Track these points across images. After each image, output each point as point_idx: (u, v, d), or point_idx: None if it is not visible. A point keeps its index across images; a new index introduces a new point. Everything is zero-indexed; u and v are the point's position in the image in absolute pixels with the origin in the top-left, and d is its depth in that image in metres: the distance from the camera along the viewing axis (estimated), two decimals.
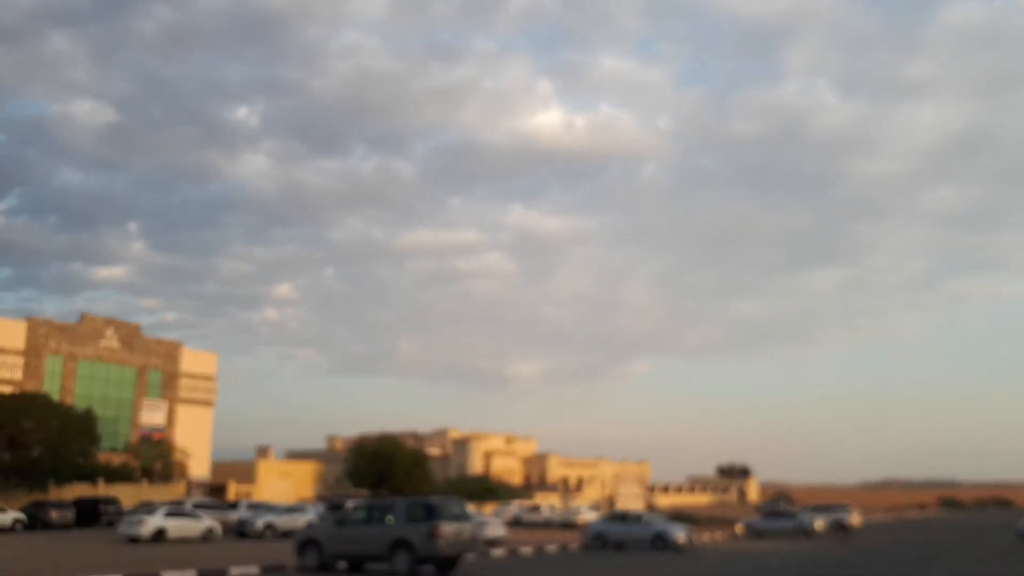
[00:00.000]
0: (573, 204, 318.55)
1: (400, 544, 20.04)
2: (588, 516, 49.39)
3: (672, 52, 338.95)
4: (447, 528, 20.05)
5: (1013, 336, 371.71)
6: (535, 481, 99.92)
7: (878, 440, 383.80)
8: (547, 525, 51.42)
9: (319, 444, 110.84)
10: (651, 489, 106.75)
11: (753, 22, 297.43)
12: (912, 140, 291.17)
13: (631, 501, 62.37)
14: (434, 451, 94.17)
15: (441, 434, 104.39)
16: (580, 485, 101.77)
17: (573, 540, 35.11)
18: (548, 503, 60.70)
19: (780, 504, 78.54)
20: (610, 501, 71.22)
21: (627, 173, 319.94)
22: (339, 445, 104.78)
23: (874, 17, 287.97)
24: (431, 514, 20.18)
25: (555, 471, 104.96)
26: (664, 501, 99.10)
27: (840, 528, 47.97)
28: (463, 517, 21.34)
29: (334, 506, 43.83)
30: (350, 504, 37.67)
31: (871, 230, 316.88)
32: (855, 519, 50.34)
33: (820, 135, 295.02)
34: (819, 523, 45.06)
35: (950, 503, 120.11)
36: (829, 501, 70.18)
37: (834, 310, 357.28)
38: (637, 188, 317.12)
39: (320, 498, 62.15)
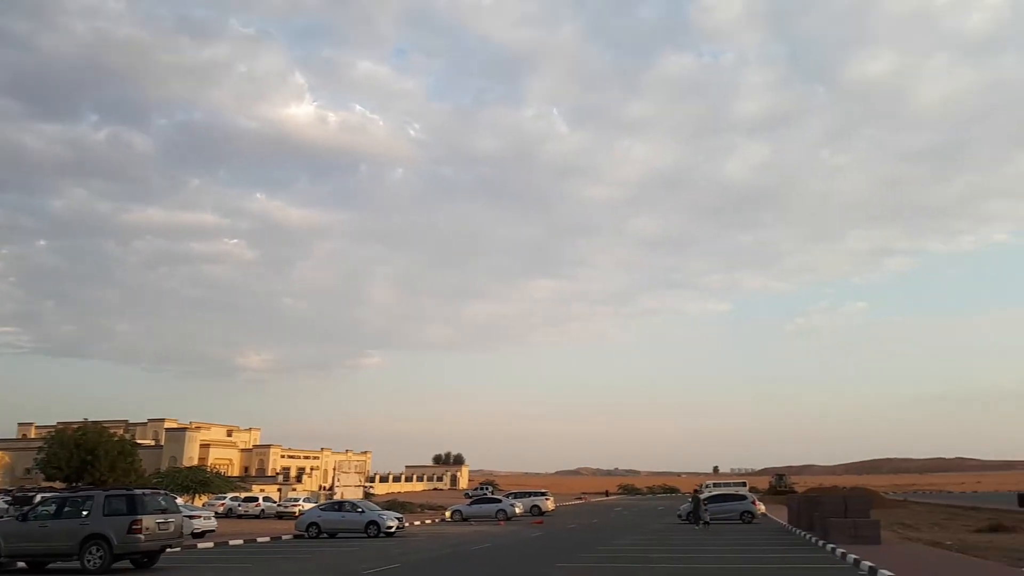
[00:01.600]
0: (320, 198, 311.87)
1: (94, 539, 19.02)
2: (305, 506, 49.70)
3: (426, 65, 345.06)
4: (148, 521, 19.35)
5: (692, 345, 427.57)
6: (255, 472, 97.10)
7: (575, 433, 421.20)
8: (263, 516, 50.89)
9: (9, 432, 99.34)
10: (371, 479, 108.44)
11: (502, 48, 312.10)
12: (626, 171, 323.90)
13: (349, 491, 63.33)
14: (146, 441, 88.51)
15: (156, 423, 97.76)
16: (301, 476, 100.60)
17: (288, 530, 35.46)
18: (265, 494, 59.84)
19: (486, 491, 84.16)
20: (328, 491, 71.59)
21: (376, 175, 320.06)
22: (33, 433, 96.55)
23: (607, 58, 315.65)
24: (132, 507, 19.38)
25: (277, 462, 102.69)
26: (382, 490, 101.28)
27: (537, 511, 52.95)
28: (169, 510, 20.69)
29: (20, 499, 39.97)
30: (39, 497, 34.74)
31: (586, 247, 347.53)
32: (549, 504, 55.80)
33: (550, 159, 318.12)
34: (519, 508, 49.47)
35: (629, 489, 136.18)
36: (529, 487, 76.92)
37: (551, 316, 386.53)
38: (385, 190, 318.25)
39: (2, 491, 55.78)
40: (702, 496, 39.93)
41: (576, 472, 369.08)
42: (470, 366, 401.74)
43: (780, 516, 45.21)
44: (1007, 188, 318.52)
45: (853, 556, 19.49)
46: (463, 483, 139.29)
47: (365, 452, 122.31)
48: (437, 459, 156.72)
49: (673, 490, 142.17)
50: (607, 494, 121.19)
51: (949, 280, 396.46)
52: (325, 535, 33.59)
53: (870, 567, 17.00)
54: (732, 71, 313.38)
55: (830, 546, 23.15)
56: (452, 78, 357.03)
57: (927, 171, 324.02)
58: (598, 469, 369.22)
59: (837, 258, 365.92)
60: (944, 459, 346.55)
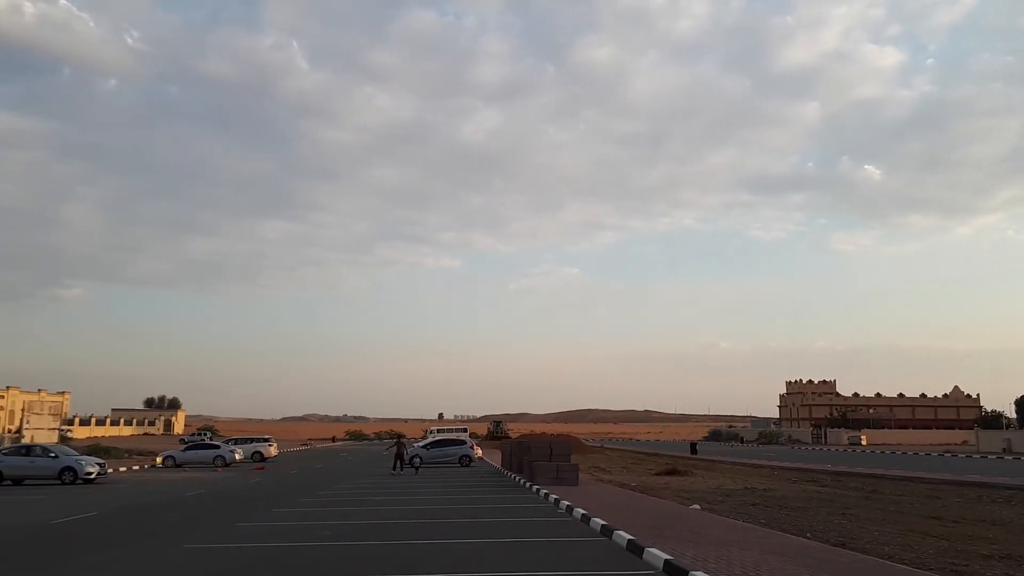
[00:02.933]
0: (9, 100, 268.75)
1: None
2: None
3: None
4: None
5: (425, 298, 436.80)
6: None
7: (303, 379, 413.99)
8: None
9: None
10: (69, 421, 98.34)
11: None
12: (368, 119, 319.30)
13: (41, 434, 57.00)
14: None
15: None
16: None
17: None
18: None
19: (204, 436, 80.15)
20: (15, 434, 63.81)
21: (84, 82, 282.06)
22: None
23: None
24: None
25: None
26: (83, 434, 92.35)
27: (259, 457, 51.60)
28: None
29: None
30: None
31: (323, 192, 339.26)
32: (272, 450, 54.62)
33: (288, 94, 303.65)
34: (239, 454, 47.85)
35: (357, 436, 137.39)
36: (252, 434, 74.54)
37: (282, 259, 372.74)
38: (94, 101, 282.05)
39: None
40: (411, 442, 41.09)
41: (303, 419, 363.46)
42: (190, 305, 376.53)
43: (495, 460, 48.45)
44: (697, 180, 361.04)
45: (554, 496, 21.55)
46: (178, 428, 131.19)
47: (62, 393, 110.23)
48: (149, 403, 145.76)
49: (400, 435, 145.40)
50: (334, 440, 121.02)
51: (648, 255, 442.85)
52: (8, 482, 30.11)
53: (567, 506, 18.94)
54: (472, 35, 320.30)
55: (535, 487, 25.34)
56: None
57: (636, 156, 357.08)
58: (326, 415, 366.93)
59: (557, 227, 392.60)
60: (635, 411, 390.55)
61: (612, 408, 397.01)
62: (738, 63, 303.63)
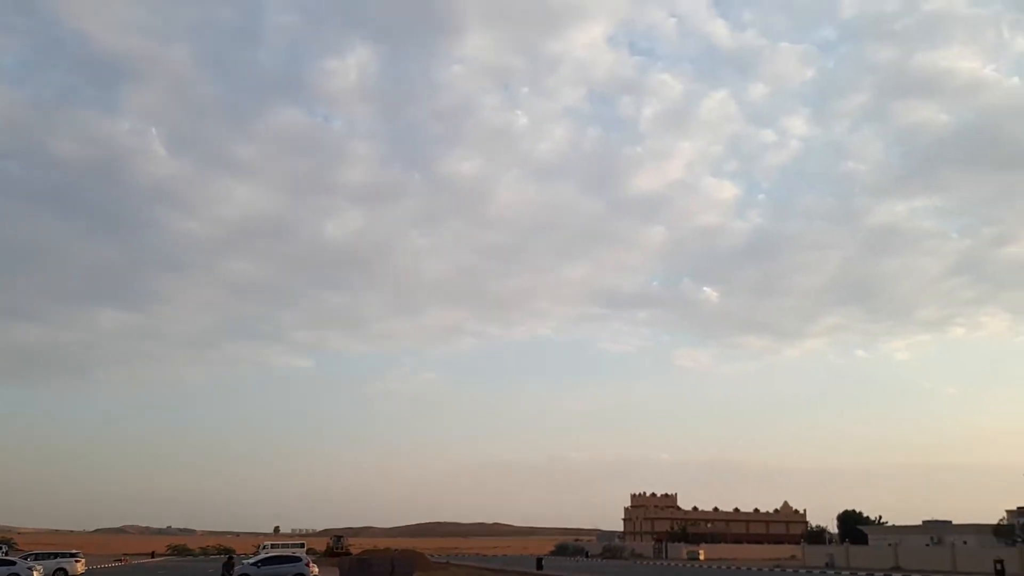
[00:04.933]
0: None
1: None
2: None
3: (4, 42, 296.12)
4: None
5: (272, 399, 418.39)
6: None
7: (123, 485, 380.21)
8: None
9: None
10: None
11: (102, 49, 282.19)
12: (225, 211, 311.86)
13: None
14: None
15: None
16: None
17: None
18: None
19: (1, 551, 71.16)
20: None
21: None
22: None
23: (218, 90, 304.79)
24: None
25: None
26: None
27: (63, 574, 46.21)
28: None
29: None
30: None
31: (169, 282, 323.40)
32: (79, 566, 49.10)
33: (141, 181, 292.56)
34: (38, 571, 42.66)
35: (180, 550, 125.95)
36: (59, 547, 66.88)
37: (118, 351, 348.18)
38: None
39: None
40: (241, 559, 38.44)
41: (121, 530, 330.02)
42: (4, 398, 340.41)
43: None
44: (553, 292, 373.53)
45: None
46: None
47: None
48: None
49: (229, 551, 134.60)
50: (152, 555, 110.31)
51: (504, 362, 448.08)
52: None
53: None
54: (340, 137, 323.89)
55: None
56: (35, 66, 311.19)
57: (496, 266, 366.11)
58: (148, 527, 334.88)
59: (416, 330, 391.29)
60: (485, 524, 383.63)
61: (462, 521, 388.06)
62: (594, 185, 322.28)
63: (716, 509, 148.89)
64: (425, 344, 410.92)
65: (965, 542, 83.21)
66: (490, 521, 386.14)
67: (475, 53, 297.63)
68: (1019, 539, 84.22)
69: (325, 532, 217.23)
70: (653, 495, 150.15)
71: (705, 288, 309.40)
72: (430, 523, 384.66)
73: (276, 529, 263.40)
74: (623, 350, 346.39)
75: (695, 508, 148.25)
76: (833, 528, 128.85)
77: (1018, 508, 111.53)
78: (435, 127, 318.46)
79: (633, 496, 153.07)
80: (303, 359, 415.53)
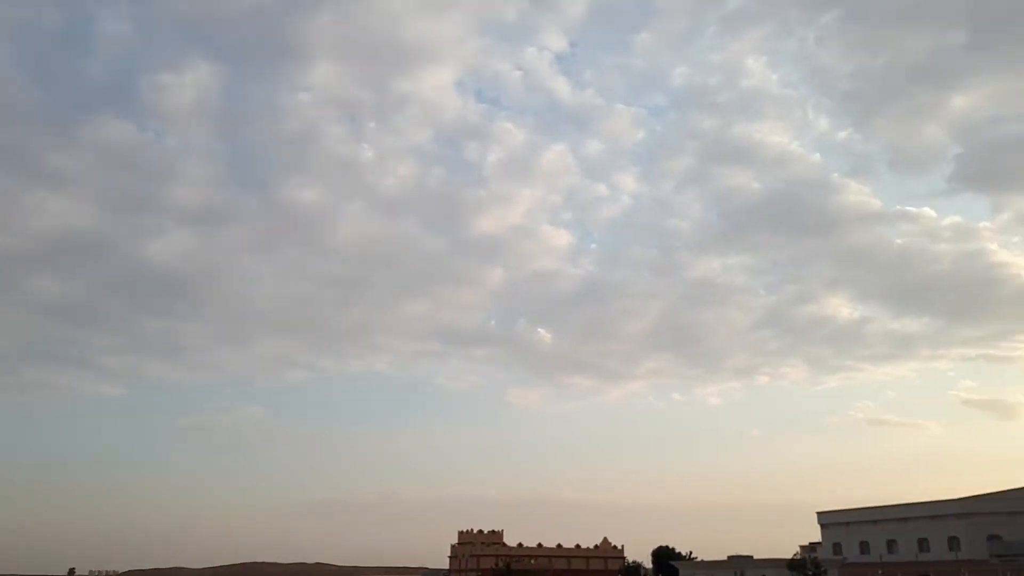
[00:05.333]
0: None
1: None
2: None
3: None
4: None
5: (76, 430, 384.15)
6: None
7: None
8: None
9: None
10: None
11: None
12: (34, 224, 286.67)
13: None
14: None
15: None
16: None
17: None
18: None
19: None
20: None
21: None
22: None
23: (38, 91, 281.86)
24: None
25: None
26: None
27: None
28: None
29: None
30: None
31: None
32: None
33: None
34: None
35: None
36: None
37: None
38: None
39: None
40: None
41: None
42: None
43: None
44: (392, 327, 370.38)
45: None
46: None
47: None
48: None
49: None
50: None
51: (338, 396, 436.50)
52: None
53: None
54: (172, 155, 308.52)
55: None
56: None
57: (335, 298, 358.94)
58: None
59: (244, 360, 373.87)
60: (307, 564, 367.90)
61: (282, 560, 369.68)
62: (437, 224, 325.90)
63: (540, 545, 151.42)
64: (252, 375, 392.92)
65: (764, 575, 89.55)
66: (312, 561, 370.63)
67: (323, 82, 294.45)
68: (810, 572, 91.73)
69: (129, 572, 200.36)
70: (480, 532, 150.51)
71: (539, 329, 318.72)
72: (247, 563, 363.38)
73: (71, 571, 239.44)
74: (459, 387, 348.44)
75: (520, 544, 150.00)
76: (648, 563, 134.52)
77: (810, 544, 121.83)
78: (276, 152, 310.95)
79: (460, 533, 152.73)
80: (114, 387, 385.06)
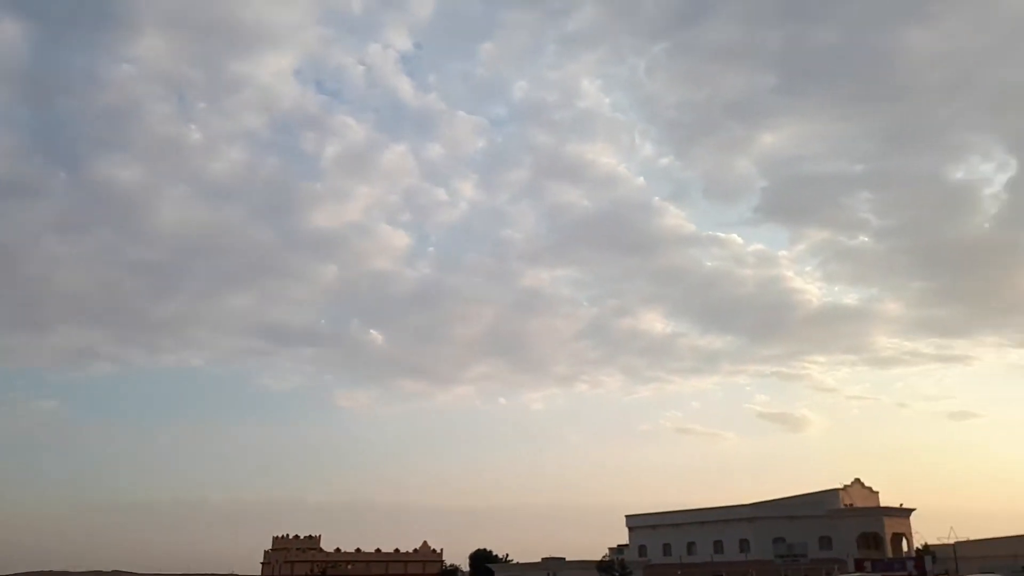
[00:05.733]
0: None
1: None
2: None
3: None
4: None
5: None
6: None
7: None
8: None
9: None
10: None
11: None
12: None
13: None
14: None
15: None
16: None
17: None
18: None
19: None
20: None
21: None
22: None
23: None
24: None
25: None
26: None
27: None
28: None
29: None
30: None
31: None
32: None
33: None
34: None
35: None
36: None
37: None
38: None
39: None
40: None
41: None
42: None
43: None
44: (212, 321, 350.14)
45: None
46: None
47: None
48: None
49: None
50: None
51: (147, 392, 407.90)
52: None
53: None
54: None
55: None
56: None
57: (150, 286, 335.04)
58: None
59: (39, 349, 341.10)
60: (103, 572, 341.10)
61: (75, 569, 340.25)
62: (268, 215, 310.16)
63: (359, 550, 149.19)
64: (48, 366, 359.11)
65: None
66: (109, 569, 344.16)
67: (150, 55, 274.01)
68: (617, 573, 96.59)
69: None
70: (296, 537, 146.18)
71: (372, 330, 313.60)
72: (36, 572, 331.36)
73: None
74: (284, 387, 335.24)
75: (338, 549, 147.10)
76: (466, 567, 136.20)
77: (618, 546, 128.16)
78: (92, 126, 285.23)
79: (275, 539, 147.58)
80: None
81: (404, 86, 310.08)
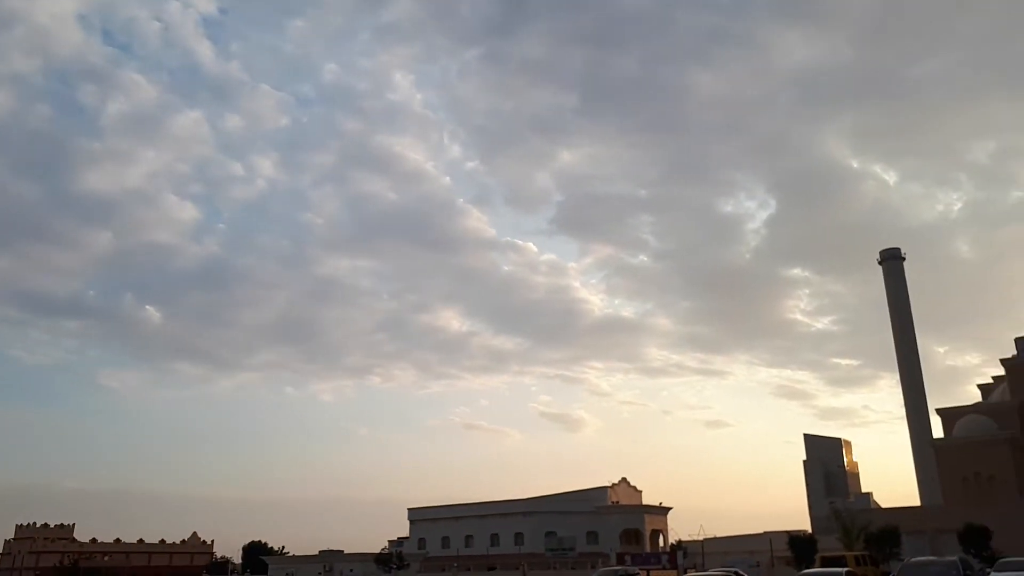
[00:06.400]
0: None
1: None
2: None
3: None
4: None
5: None
6: None
7: None
8: None
9: None
10: None
11: None
12: None
13: None
14: None
15: None
16: None
17: None
18: None
19: None
20: None
21: None
22: None
23: None
24: None
25: None
26: None
27: None
28: None
29: None
30: None
31: None
32: None
33: None
34: None
35: None
36: None
37: None
38: None
39: None
40: None
41: None
42: None
43: None
44: None
45: None
46: None
47: None
48: None
49: None
50: None
51: None
52: None
53: None
54: None
55: None
56: None
57: None
58: None
59: None
60: None
61: None
62: (34, 170, 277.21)
63: (118, 540, 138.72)
64: None
65: (352, 570, 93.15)
66: None
67: None
68: (394, 565, 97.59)
69: None
70: (45, 526, 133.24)
71: (148, 307, 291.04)
72: None
73: None
74: (40, 362, 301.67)
75: (94, 540, 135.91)
76: (238, 559, 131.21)
77: (399, 538, 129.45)
78: None
79: (18, 527, 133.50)
80: None
81: (204, 50, 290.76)
